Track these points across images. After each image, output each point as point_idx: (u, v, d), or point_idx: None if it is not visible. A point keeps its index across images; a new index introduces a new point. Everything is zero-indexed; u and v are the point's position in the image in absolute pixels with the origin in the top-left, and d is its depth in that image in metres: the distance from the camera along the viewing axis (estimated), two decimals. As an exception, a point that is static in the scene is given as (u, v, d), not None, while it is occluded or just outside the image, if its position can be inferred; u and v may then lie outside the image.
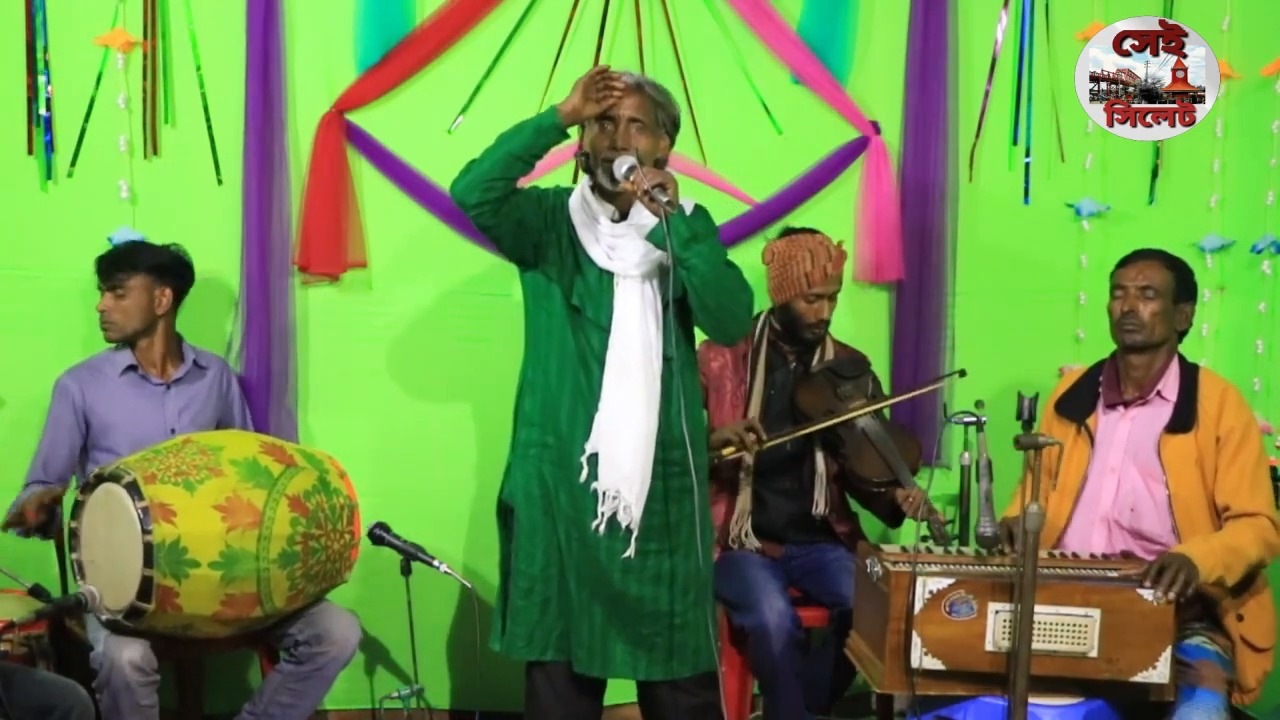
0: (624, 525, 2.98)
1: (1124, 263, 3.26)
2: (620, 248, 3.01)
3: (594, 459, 2.98)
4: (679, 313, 3.05)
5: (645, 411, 2.97)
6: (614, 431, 2.97)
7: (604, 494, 2.98)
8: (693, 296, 2.95)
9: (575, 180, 3.84)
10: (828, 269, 3.54)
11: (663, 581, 3.03)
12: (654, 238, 2.93)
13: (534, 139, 2.90)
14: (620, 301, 3.00)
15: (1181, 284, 3.21)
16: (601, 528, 2.99)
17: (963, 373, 3.81)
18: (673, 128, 3.09)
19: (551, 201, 3.09)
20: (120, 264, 3.42)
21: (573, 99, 2.91)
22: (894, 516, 3.62)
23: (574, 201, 3.07)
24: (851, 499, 3.72)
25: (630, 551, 2.99)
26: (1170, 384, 3.19)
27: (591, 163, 3.02)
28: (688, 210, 2.95)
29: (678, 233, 2.86)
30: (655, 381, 2.99)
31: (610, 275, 3.01)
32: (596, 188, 3.04)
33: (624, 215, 3.03)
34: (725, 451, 3.44)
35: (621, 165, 2.90)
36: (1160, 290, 3.17)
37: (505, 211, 2.94)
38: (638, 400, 2.97)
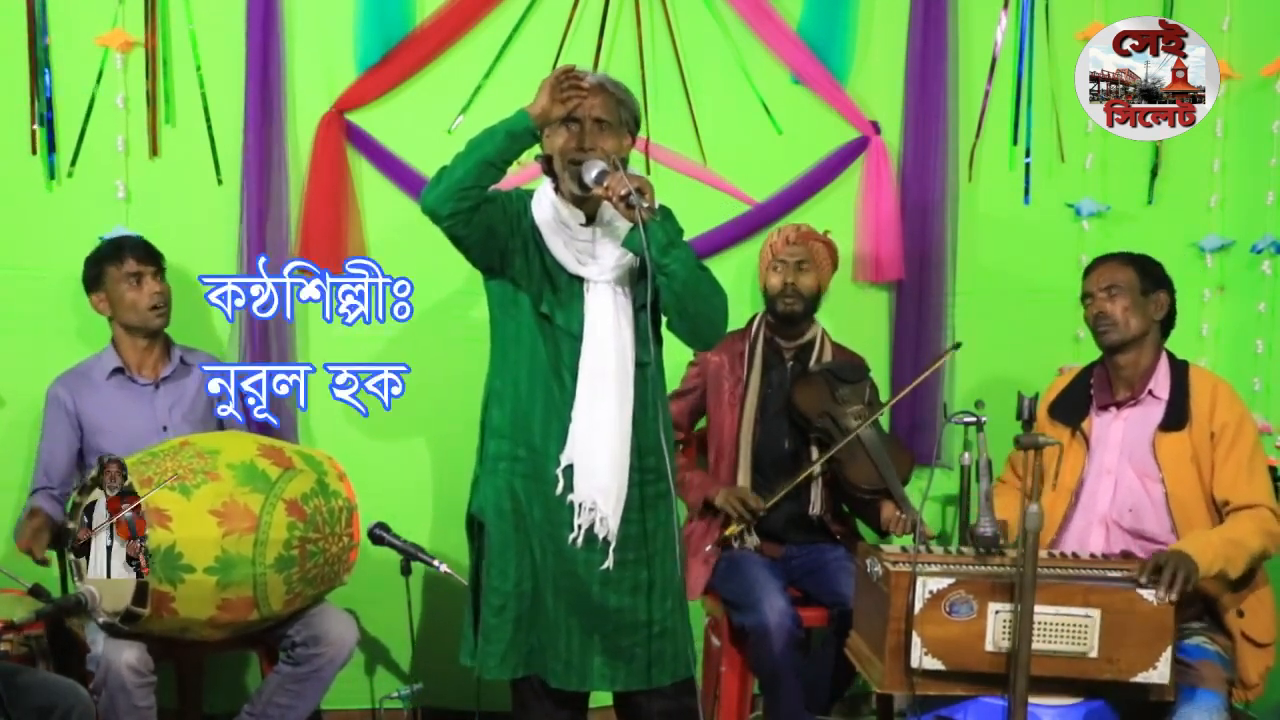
0: (601, 537, 2.92)
1: (1087, 272, 3.31)
2: (590, 252, 2.92)
3: (569, 470, 2.91)
4: (650, 315, 2.96)
5: (620, 421, 2.91)
6: (589, 442, 2.89)
7: (580, 506, 2.91)
8: (671, 302, 2.88)
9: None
10: (790, 236, 3.64)
11: (641, 590, 2.97)
12: (631, 245, 2.86)
13: (507, 144, 2.79)
14: (592, 308, 2.91)
15: (1145, 275, 3.23)
16: (579, 540, 2.92)
17: (958, 345, 3.81)
18: (635, 125, 2.99)
19: (516, 206, 2.97)
20: (153, 253, 3.49)
21: (540, 101, 2.80)
22: (880, 528, 3.62)
23: (538, 206, 2.97)
24: (843, 503, 3.72)
25: (609, 563, 2.93)
26: (1161, 382, 3.20)
27: (556, 166, 2.92)
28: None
29: (656, 239, 2.78)
30: (629, 389, 2.92)
31: (580, 281, 2.93)
32: (559, 190, 2.94)
33: (591, 219, 2.94)
34: (729, 531, 3.46)
35: (591, 169, 2.81)
36: (1124, 286, 3.20)
37: (476, 220, 2.84)
38: (612, 409, 2.90)
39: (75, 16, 3.65)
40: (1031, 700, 2.67)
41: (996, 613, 2.72)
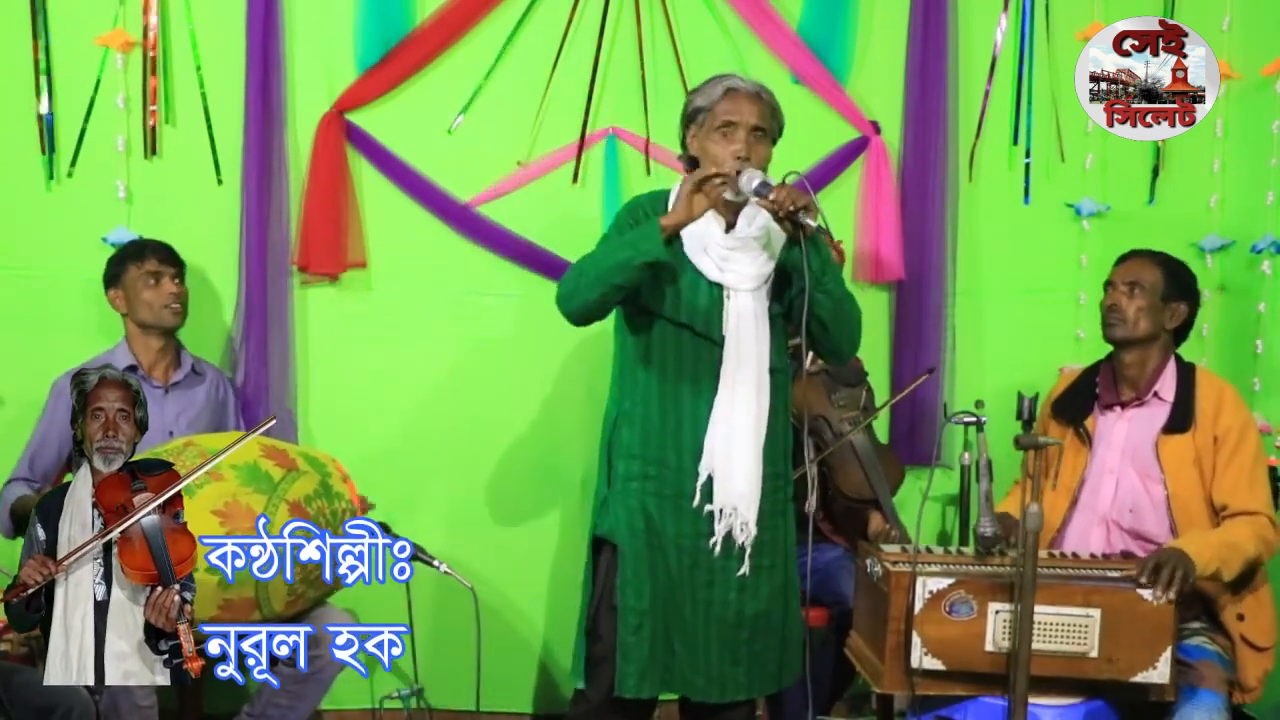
0: (739, 543, 2.92)
1: (1119, 261, 3.30)
2: (733, 260, 2.90)
3: (708, 481, 2.91)
4: (782, 323, 2.99)
5: (757, 427, 2.91)
6: (727, 449, 2.89)
7: (720, 513, 2.91)
8: (825, 317, 2.87)
9: (575, 179, 3.84)
10: None
11: (778, 596, 2.99)
12: (792, 260, 2.85)
13: (639, 274, 2.82)
14: (733, 316, 2.90)
15: (1173, 282, 3.22)
16: (718, 547, 2.92)
17: (931, 370, 3.83)
18: (779, 135, 2.98)
19: (648, 216, 2.93)
20: (176, 257, 3.52)
21: (678, 211, 2.81)
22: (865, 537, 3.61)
23: None
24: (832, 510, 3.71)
25: (745, 569, 2.93)
26: (1167, 384, 3.20)
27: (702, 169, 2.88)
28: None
29: (823, 257, 2.82)
30: (766, 396, 2.93)
31: (720, 288, 2.92)
32: None
33: (730, 225, 2.93)
34: None
35: (753, 179, 2.78)
36: (1146, 287, 3.20)
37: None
38: (750, 416, 2.90)
39: (75, 16, 3.65)
40: (1031, 700, 2.67)
41: (996, 613, 2.73)
